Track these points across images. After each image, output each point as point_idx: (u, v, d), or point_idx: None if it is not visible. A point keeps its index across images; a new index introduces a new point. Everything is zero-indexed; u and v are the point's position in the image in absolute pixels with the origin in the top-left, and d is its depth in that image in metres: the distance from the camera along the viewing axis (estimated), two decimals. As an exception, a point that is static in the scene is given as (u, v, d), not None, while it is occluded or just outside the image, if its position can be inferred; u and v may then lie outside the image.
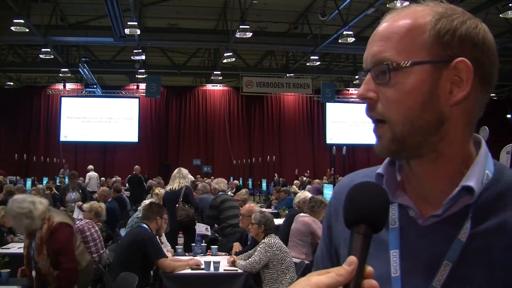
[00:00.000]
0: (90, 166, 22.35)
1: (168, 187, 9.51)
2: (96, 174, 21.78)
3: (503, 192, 1.15)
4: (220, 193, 9.37)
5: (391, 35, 1.15)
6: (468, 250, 1.12)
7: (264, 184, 22.54)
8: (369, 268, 0.96)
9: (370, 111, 1.17)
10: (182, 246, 7.68)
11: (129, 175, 20.15)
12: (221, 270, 6.36)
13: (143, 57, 22.68)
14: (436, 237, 1.16)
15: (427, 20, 1.14)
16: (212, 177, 24.10)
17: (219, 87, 32.36)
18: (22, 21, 16.63)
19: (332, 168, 24.56)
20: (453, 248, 1.12)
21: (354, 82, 29.28)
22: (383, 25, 1.18)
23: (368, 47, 1.19)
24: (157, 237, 6.64)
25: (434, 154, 1.17)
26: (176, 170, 9.61)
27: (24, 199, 5.15)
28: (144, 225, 6.43)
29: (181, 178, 9.47)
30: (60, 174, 24.68)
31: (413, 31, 1.14)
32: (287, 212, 11.26)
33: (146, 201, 9.37)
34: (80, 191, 13.28)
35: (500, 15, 16.34)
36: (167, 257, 6.41)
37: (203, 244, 7.71)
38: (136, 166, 19.77)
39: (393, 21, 1.17)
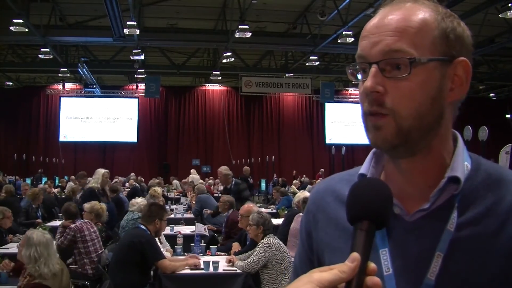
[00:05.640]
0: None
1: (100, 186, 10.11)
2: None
3: (483, 181, 1.18)
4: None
5: (407, 28, 1.14)
6: (458, 240, 1.14)
7: (263, 184, 22.57)
8: (372, 265, 0.96)
9: (376, 106, 1.14)
10: (181, 246, 7.69)
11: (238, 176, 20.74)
12: (220, 270, 6.36)
13: (142, 57, 22.66)
14: (424, 231, 1.17)
15: (433, 18, 1.16)
16: (211, 177, 24.13)
17: (218, 87, 32.35)
18: (21, 21, 16.61)
19: (322, 170, 24.70)
20: (443, 239, 1.14)
21: (353, 82, 29.09)
22: (392, 17, 1.16)
23: (373, 38, 1.16)
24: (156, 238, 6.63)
25: (427, 149, 1.19)
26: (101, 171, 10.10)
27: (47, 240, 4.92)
28: (142, 227, 6.42)
29: None
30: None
31: (426, 26, 1.14)
32: (286, 212, 11.25)
33: (138, 200, 9.41)
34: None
35: (500, 15, 16.32)
36: (166, 258, 6.40)
37: (202, 244, 7.71)
38: (246, 167, 20.60)
39: (403, 14, 1.16)
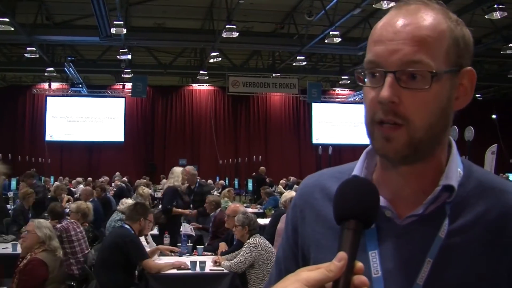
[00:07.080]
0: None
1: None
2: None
3: (474, 188, 1.19)
4: None
5: (425, 38, 1.11)
6: (447, 247, 1.14)
7: (250, 184, 22.57)
8: (359, 264, 0.97)
9: (392, 115, 1.12)
10: (168, 246, 7.68)
11: (254, 174, 20.72)
12: (207, 270, 6.37)
13: (129, 56, 22.58)
14: (416, 236, 1.17)
15: (447, 26, 1.14)
16: (198, 177, 24.04)
17: (205, 87, 32.27)
18: (7, 19, 16.48)
19: (291, 178, 24.79)
20: (434, 245, 1.14)
21: (340, 83, 29.26)
22: (408, 23, 1.12)
23: (390, 45, 1.12)
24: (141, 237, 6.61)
25: (430, 156, 1.18)
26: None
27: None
28: (127, 226, 6.40)
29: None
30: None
31: (442, 35, 1.13)
32: (273, 212, 11.25)
33: (129, 201, 9.34)
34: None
35: (486, 16, 16.40)
36: (150, 257, 6.39)
37: (189, 244, 7.70)
38: (262, 167, 20.66)
39: (420, 22, 1.13)
